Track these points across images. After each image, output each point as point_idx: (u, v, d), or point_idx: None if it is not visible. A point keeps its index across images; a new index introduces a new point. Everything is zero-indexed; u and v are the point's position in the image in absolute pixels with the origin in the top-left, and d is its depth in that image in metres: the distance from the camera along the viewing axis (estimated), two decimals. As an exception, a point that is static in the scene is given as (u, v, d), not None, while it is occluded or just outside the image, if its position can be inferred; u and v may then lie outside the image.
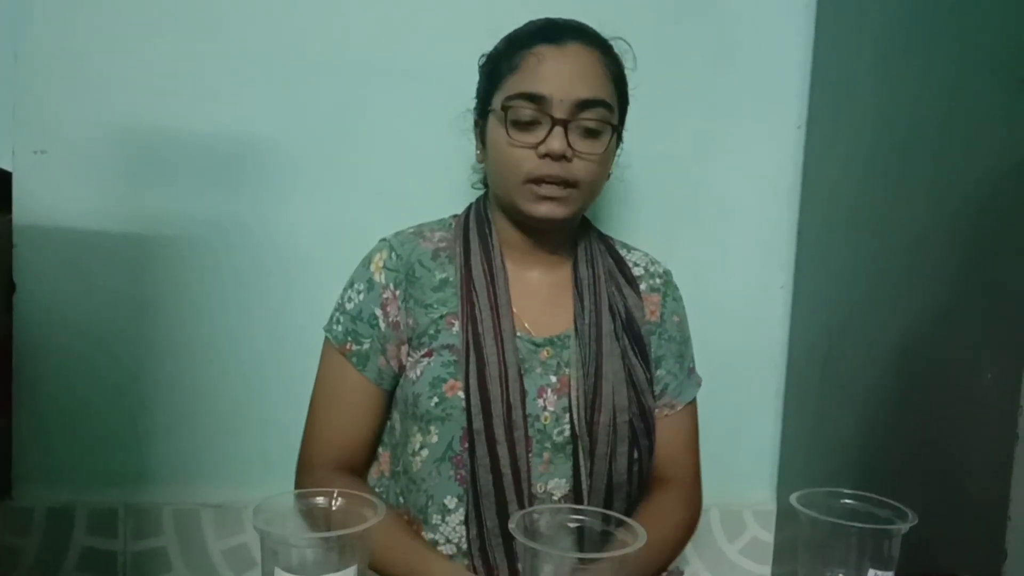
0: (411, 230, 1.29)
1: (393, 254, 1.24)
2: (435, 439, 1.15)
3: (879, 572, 0.84)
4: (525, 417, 1.13)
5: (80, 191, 1.68)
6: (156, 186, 1.70)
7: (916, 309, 1.46)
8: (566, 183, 1.14)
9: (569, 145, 1.13)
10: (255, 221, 1.74)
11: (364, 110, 1.75)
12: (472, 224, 1.26)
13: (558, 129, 1.12)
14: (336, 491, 0.85)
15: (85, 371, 1.72)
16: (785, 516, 1.92)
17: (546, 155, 1.13)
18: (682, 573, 1.29)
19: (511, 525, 0.78)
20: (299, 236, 1.75)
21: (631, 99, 1.28)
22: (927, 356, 1.42)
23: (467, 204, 1.37)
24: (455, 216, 1.33)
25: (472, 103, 1.31)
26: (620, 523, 0.80)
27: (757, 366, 1.94)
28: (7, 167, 1.67)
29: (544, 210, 1.16)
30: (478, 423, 1.11)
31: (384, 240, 1.27)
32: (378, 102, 1.75)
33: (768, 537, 1.92)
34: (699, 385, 1.34)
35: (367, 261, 1.26)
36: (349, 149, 1.76)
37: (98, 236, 1.68)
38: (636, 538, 0.75)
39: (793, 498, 0.88)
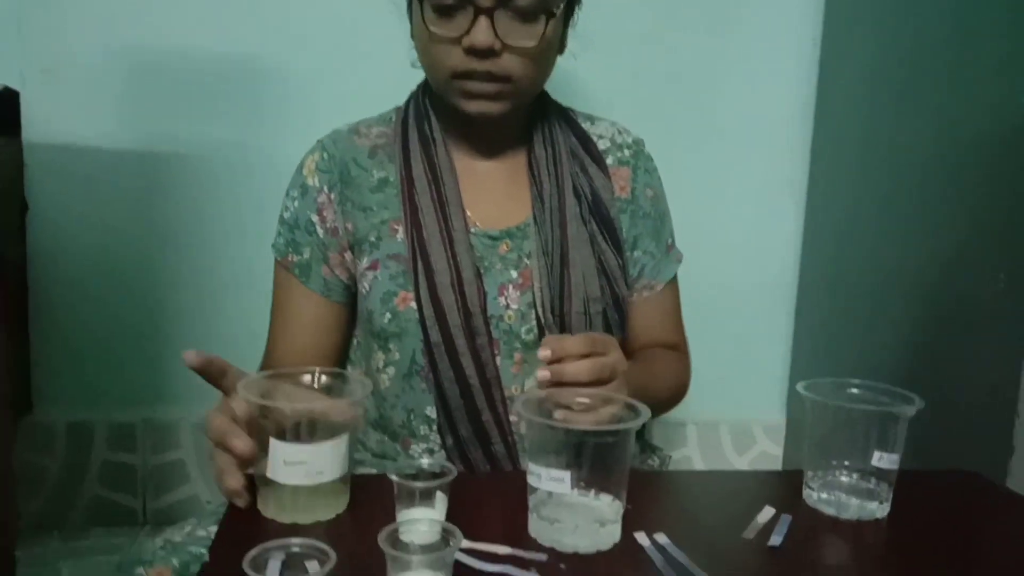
0: (347, 127, 1.15)
1: (325, 154, 1.11)
2: (397, 356, 1.06)
3: (884, 455, 0.84)
4: (487, 321, 1.03)
5: (89, 110, 1.68)
6: (163, 105, 1.70)
7: (927, 226, 1.45)
8: (497, 78, 0.99)
9: (497, 36, 0.96)
10: (262, 145, 1.74)
11: (364, 31, 1.72)
12: (411, 117, 1.11)
13: (483, 19, 0.95)
14: (318, 369, 0.86)
15: (100, 290, 1.74)
16: (795, 430, 1.93)
17: (470, 50, 0.96)
18: (669, 457, 1.26)
19: (515, 410, 0.79)
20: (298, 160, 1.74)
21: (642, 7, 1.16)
22: (937, 270, 1.41)
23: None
24: (398, 108, 1.17)
25: None
26: (627, 404, 0.80)
27: (768, 287, 1.93)
28: (15, 86, 1.67)
29: (476, 108, 1.01)
30: (435, 336, 1.02)
31: (318, 141, 1.14)
32: (378, 22, 1.72)
33: (777, 451, 1.94)
34: (679, 261, 1.21)
35: (300, 165, 1.13)
36: (352, 72, 1.74)
37: (109, 155, 1.69)
38: (638, 415, 0.76)
39: (800, 386, 0.87)
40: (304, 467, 0.78)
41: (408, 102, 1.15)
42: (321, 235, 1.10)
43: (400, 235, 1.07)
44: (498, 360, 1.05)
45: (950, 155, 1.40)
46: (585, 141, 1.15)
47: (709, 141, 1.85)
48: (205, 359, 0.83)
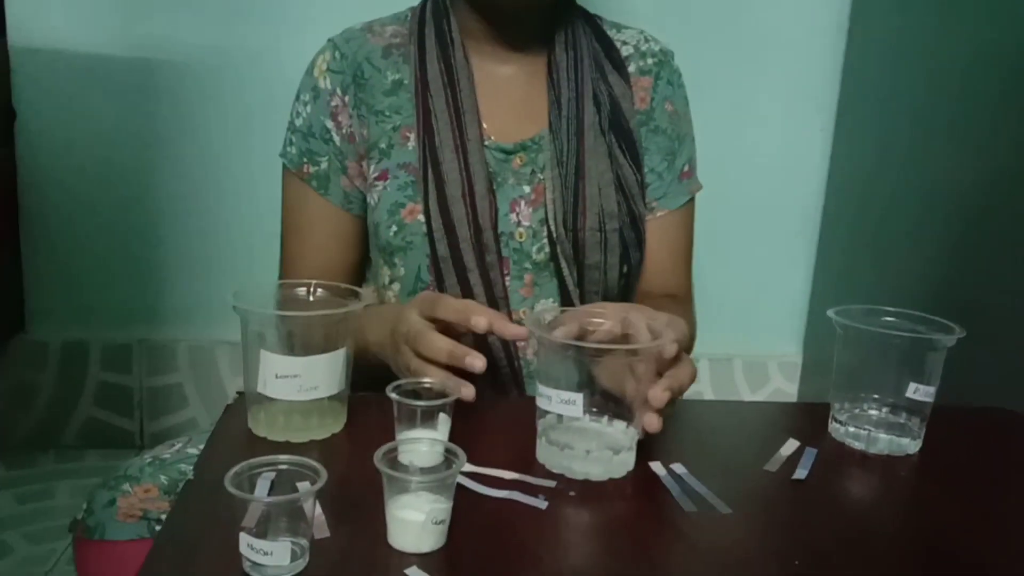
0: (359, 26, 1.08)
1: (337, 53, 1.04)
2: (401, 271, 1.02)
3: (920, 386, 0.78)
4: (497, 237, 0.99)
5: (78, 11, 1.60)
6: (158, 9, 1.61)
7: (962, 151, 1.37)
8: None
9: None
10: (266, 50, 1.65)
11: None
12: (428, 15, 1.04)
13: None
14: (314, 282, 0.81)
15: (93, 202, 1.68)
16: (811, 368, 1.88)
17: None
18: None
19: (528, 322, 0.74)
20: (301, 65, 1.65)
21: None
22: (973, 198, 1.34)
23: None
24: (412, 9, 1.10)
25: None
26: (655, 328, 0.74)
27: (790, 215, 1.86)
28: (1, -14, 1.58)
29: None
30: (443, 250, 0.97)
31: (329, 40, 1.07)
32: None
33: (792, 388, 1.90)
34: (692, 193, 1.11)
35: (310, 67, 1.06)
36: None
37: (100, 60, 1.61)
38: (658, 335, 0.70)
39: (831, 312, 0.81)
40: (297, 381, 0.73)
41: (424, 1, 1.07)
42: (338, 142, 1.03)
43: (412, 143, 1.01)
44: (507, 280, 1.00)
45: (986, 75, 1.33)
46: (609, 48, 1.08)
47: (736, 59, 1.77)
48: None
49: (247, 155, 1.68)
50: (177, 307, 1.75)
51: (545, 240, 1.01)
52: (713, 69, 1.72)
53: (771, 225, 1.82)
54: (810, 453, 0.78)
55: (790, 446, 0.79)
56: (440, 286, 0.98)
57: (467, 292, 0.98)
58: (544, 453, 0.72)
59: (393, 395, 0.69)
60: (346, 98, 1.03)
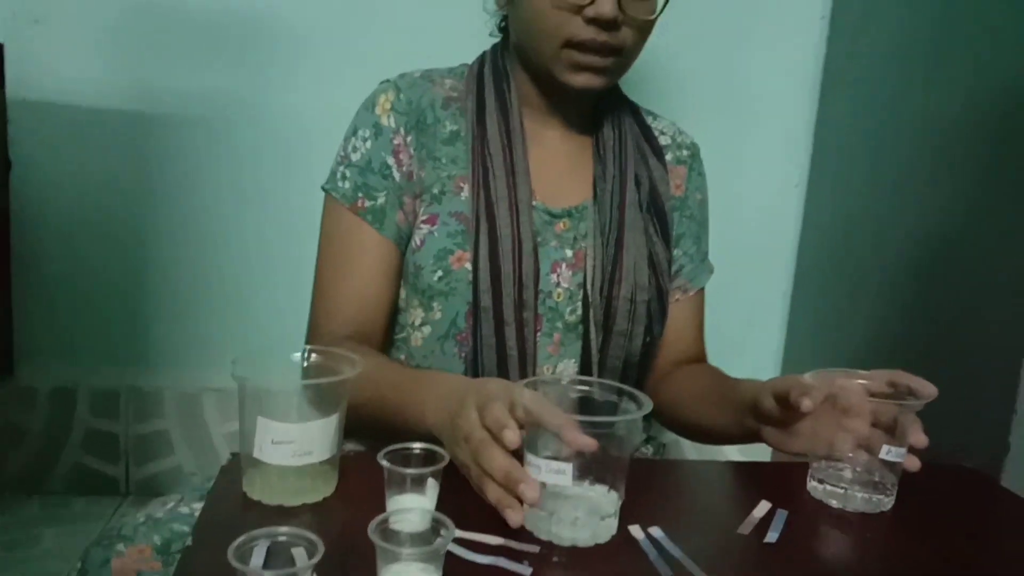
0: (417, 73, 1.12)
1: (402, 96, 1.07)
2: (438, 315, 1.04)
3: (892, 448, 0.82)
4: (536, 294, 1.03)
5: (77, 64, 1.63)
6: (156, 61, 1.65)
7: (928, 208, 1.43)
8: (611, 50, 0.99)
9: (620, 8, 0.96)
10: (258, 100, 1.70)
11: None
12: (488, 76, 1.10)
13: None
14: (309, 347, 0.83)
15: (85, 251, 1.70)
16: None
17: (593, 20, 0.96)
18: (663, 445, 1.26)
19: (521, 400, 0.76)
20: (304, 117, 1.70)
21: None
22: (937, 257, 1.40)
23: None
24: (465, 65, 1.15)
25: None
26: (627, 393, 0.78)
27: (767, 263, 1.91)
28: None
29: (582, 80, 1.01)
30: (486, 300, 1.01)
31: (388, 81, 1.10)
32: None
33: (768, 438, 1.93)
34: (711, 272, 1.22)
35: (370, 104, 1.09)
36: (359, 27, 1.70)
37: (96, 112, 1.64)
38: (641, 406, 0.74)
39: (808, 376, 0.85)
40: (292, 447, 0.76)
41: (481, 61, 1.13)
42: (397, 179, 1.06)
43: (464, 193, 1.05)
44: (538, 336, 1.05)
45: (952, 130, 1.38)
46: (647, 133, 1.16)
47: (714, 117, 1.82)
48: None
49: (236, 204, 1.72)
50: (164, 354, 1.77)
51: (579, 303, 1.07)
52: (693, 127, 1.78)
53: (745, 281, 1.87)
54: (781, 515, 0.81)
55: (762, 508, 0.82)
56: (475, 335, 1.02)
57: (500, 342, 1.02)
58: (531, 520, 0.74)
59: (384, 462, 0.72)
60: (408, 138, 1.06)
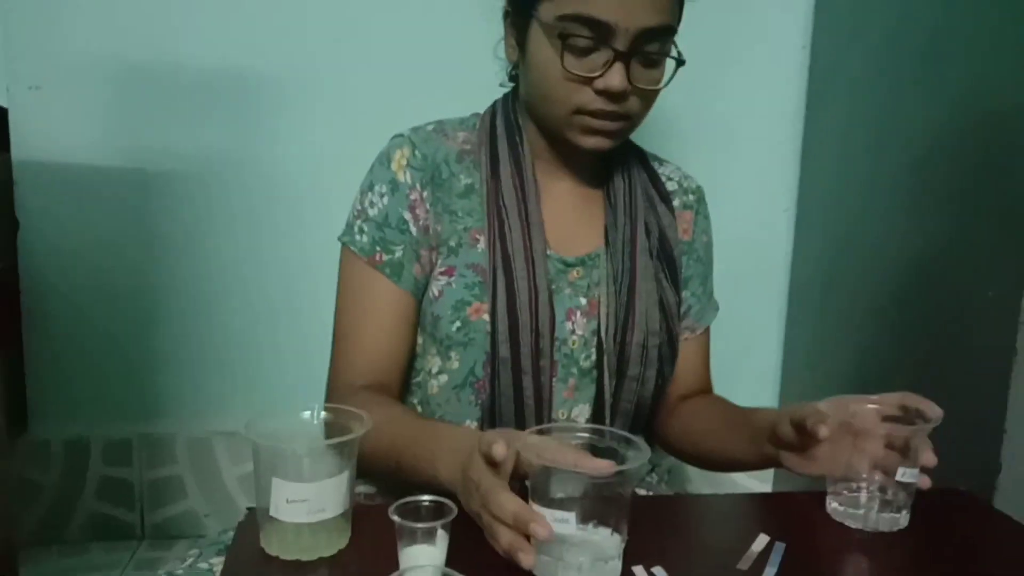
0: (430, 126, 1.14)
1: (417, 152, 1.10)
2: (456, 364, 1.07)
3: (907, 470, 0.87)
4: (552, 342, 1.06)
5: (77, 126, 1.68)
6: (153, 122, 1.70)
7: (916, 231, 1.46)
8: (620, 117, 1.03)
9: (629, 81, 0.99)
10: (253, 157, 1.74)
11: (356, 41, 1.73)
12: (500, 128, 1.12)
13: (619, 64, 0.98)
14: (319, 405, 0.86)
15: (93, 306, 1.74)
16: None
17: (603, 91, 0.99)
18: (668, 472, 1.28)
19: (520, 444, 0.79)
20: (299, 172, 1.75)
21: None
22: (927, 278, 1.43)
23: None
24: (476, 115, 1.18)
25: None
26: (626, 440, 0.82)
27: (760, 290, 1.95)
28: (2, 103, 1.66)
29: (592, 143, 1.04)
30: (504, 351, 1.03)
31: (402, 136, 1.12)
32: (371, 27, 1.73)
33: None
34: (717, 310, 1.26)
35: (385, 160, 1.10)
36: (344, 81, 1.74)
37: (97, 171, 1.69)
38: (640, 454, 0.77)
39: (821, 404, 0.90)
40: (306, 505, 0.79)
41: (492, 113, 1.15)
42: (414, 233, 1.09)
43: (480, 245, 1.08)
44: (553, 382, 1.08)
45: (934, 152, 1.42)
46: (655, 179, 1.19)
47: (702, 145, 1.86)
48: (508, 455, 0.78)
49: (239, 256, 1.76)
50: (174, 402, 1.80)
51: (593, 349, 1.10)
52: (681, 155, 1.82)
53: (742, 304, 1.90)
54: (779, 548, 0.84)
55: (761, 542, 0.86)
56: (493, 383, 1.05)
57: (518, 390, 1.05)
58: (539, 568, 0.76)
59: (395, 517, 0.75)
60: (424, 193, 1.09)
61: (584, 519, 0.77)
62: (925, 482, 0.89)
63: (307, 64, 1.72)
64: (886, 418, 0.90)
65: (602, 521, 0.78)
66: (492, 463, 0.78)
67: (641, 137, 1.25)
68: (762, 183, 1.91)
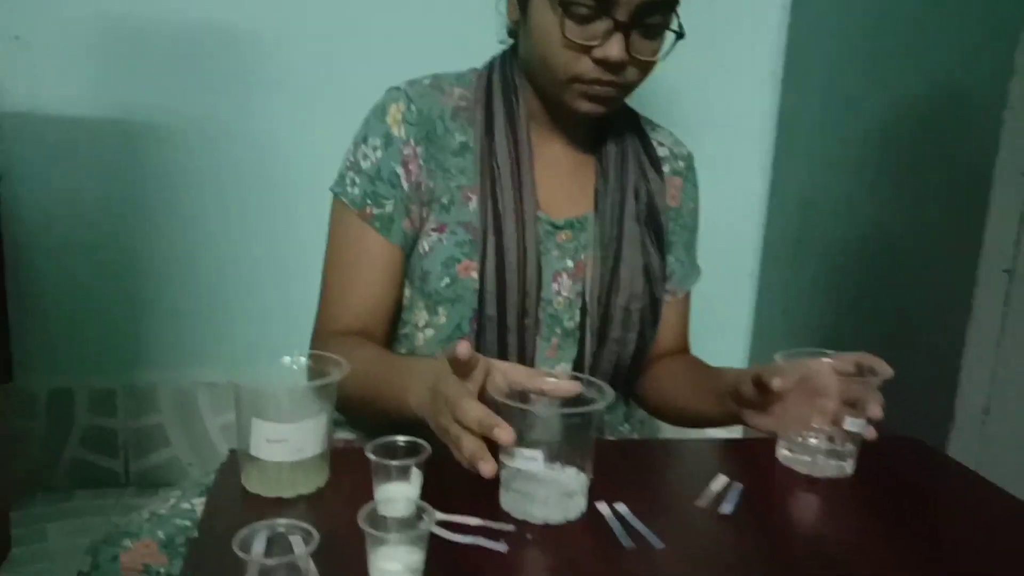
0: (427, 80, 1.13)
1: (412, 106, 1.09)
2: (443, 320, 1.09)
3: (853, 420, 0.91)
4: (539, 302, 1.08)
5: (60, 77, 1.67)
6: (137, 75, 1.70)
7: (882, 191, 1.50)
8: (616, 86, 1.03)
9: (628, 51, 0.99)
10: (237, 112, 1.75)
11: (353, 4, 1.73)
12: (497, 87, 1.12)
13: (618, 35, 0.98)
14: (298, 351, 0.89)
15: (77, 257, 1.76)
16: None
17: (601, 61, 0.99)
18: (641, 423, 1.32)
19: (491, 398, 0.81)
20: (282, 128, 1.77)
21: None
22: (891, 234, 1.47)
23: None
24: (474, 71, 1.17)
25: None
26: (594, 384, 0.85)
27: (733, 249, 1.99)
28: (-18, 54, 1.66)
29: (587, 108, 1.05)
30: (491, 309, 1.05)
31: (398, 89, 1.11)
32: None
33: (738, 415, 2.01)
34: (699, 275, 1.29)
35: (380, 112, 1.10)
36: (331, 38, 1.74)
37: (81, 123, 1.69)
38: (604, 396, 0.81)
39: (778, 356, 0.94)
40: (286, 444, 0.82)
41: (491, 69, 1.14)
42: (406, 188, 1.08)
43: (473, 204, 1.08)
44: (537, 341, 1.10)
45: (907, 120, 1.45)
46: (646, 144, 1.20)
47: (676, 102, 1.88)
48: (473, 354, 0.81)
49: (220, 208, 1.78)
50: (157, 353, 1.83)
51: (577, 311, 1.12)
52: (658, 116, 1.84)
53: (714, 261, 1.93)
54: (736, 488, 0.89)
55: (719, 482, 0.90)
56: (479, 340, 1.07)
57: (502, 347, 1.07)
58: (507, 501, 0.81)
59: (371, 455, 0.79)
60: (418, 149, 1.08)
61: (552, 459, 0.81)
62: (871, 432, 0.92)
63: (294, 16, 1.72)
64: (840, 373, 0.94)
65: (569, 461, 0.82)
66: (460, 372, 0.81)
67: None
68: (738, 144, 1.94)
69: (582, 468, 0.82)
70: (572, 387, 0.79)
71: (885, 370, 0.93)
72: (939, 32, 1.38)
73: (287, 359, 0.89)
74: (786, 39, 1.89)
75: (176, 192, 1.75)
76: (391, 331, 1.16)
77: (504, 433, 0.74)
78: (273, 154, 1.76)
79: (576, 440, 0.81)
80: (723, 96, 1.91)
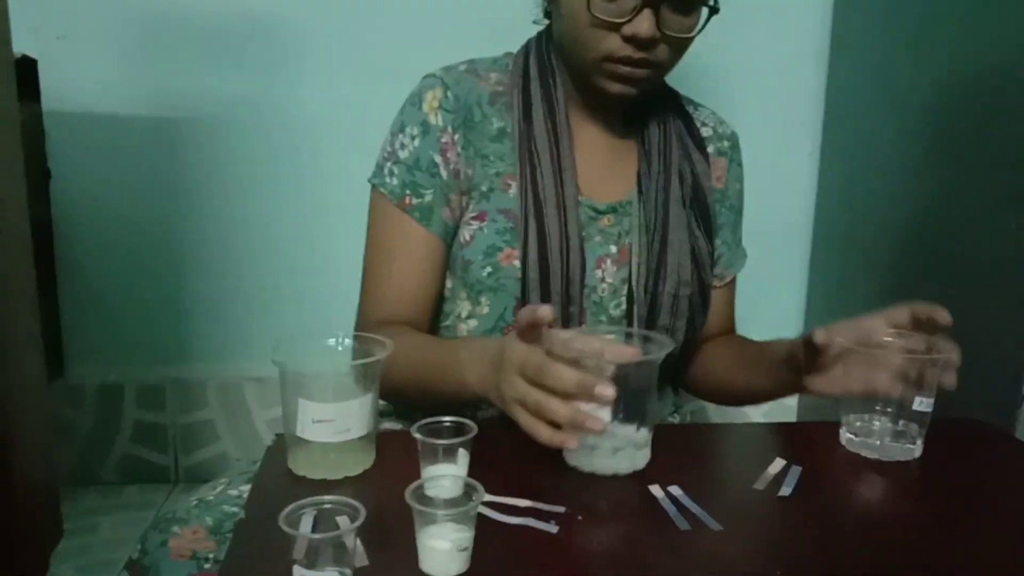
0: (462, 66, 1.11)
1: (449, 93, 1.07)
2: (486, 310, 1.06)
3: (924, 399, 0.88)
4: (582, 290, 1.05)
5: (104, 75, 1.70)
6: (177, 67, 1.72)
7: (940, 171, 1.45)
8: (648, 65, 0.99)
9: (659, 27, 0.95)
10: (278, 100, 1.76)
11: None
12: (533, 70, 1.09)
13: (648, 10, 0.94)
14: (343, 333, 0.88)
15: (125, 254, 1.78)
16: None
17: (631, 38, 0.96)
18: (690, 413, 1.28)
19: (548, 339, 0.80)
20: (321, 115, 1.77)
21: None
22: (950, 216, 1.42)
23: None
24: (509, 55, 1.14)
25: None
26: (649, 338, 0.86)
27: (783, 234, 1.95)
28: (32, 54, 1.68)
29: (619, 89, 1.01)
30: (534, 298, 1.02)
31: (434, 76, 1.09)
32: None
33: (792, 400, 1.97)
34: (745, 258, 1.25)
35: (417, 100, 1.08)
36: (364, 24, 1.74)
37: (124, 119, 1.71)
38: (663, 346, 0.81)
39: (840, 338, 0.90)
40: (332, 425, 0.81)
41: (526, 53, 1.12)
42: (445, 177, 1.06)
43: (512, 191, 1.06)
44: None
45: (961, 92, 1.40)
46: (689, 124, 1.16)
47: (726, 88, 1.84)
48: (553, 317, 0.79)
49: (268, 199, 1.79)
50: (206, 347, 1.85)
51: (623, 298, 1.09)
52: (704, 98, 1.81)
53: (765, 245, 1.89)
54: (795, 471, 0.86)
55: (777, 464, 0.87)
56: None
57: None
58: (575, 457, 0.82)
59: (417, 435, 0.77)
60: (456, 136, 1.06)
61: (613, 414, 0.80)
62: (950, 378, 0.88)
63: (328, 5, 1.72)
64: (909, 351, 0.90)
65: (628, 417, 0.82)
66: (529, 338, 0.80)
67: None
68: (786, 126, 1.90)
69: (643, 423, 0.82)
70: (632, 352, 0.78)
71: (943, 318, 0.90)
72: (992, 11, 1.33)
73: (332, 340, 0.88)
74: (832, 11, 1.85)
75: (220, 184, 1.77)
76: (434, 322, 1.14)
77: (609, 389, 0.73)
78: (309, 143, 1.77)
79: (639, 393, 0.81)
80: (768, 76, 1.87)
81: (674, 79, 1.32)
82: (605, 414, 0.76)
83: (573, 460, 0.82)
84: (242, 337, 1.84)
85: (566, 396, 0.75)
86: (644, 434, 0.83)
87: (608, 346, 0.79)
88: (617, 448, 0.81)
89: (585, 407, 0.75)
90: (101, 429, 1.86)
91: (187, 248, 1.79)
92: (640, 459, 0.82)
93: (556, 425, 0.77)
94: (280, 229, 1.80)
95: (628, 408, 0.81)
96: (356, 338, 0.88)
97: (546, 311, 0.78)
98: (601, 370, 0.77)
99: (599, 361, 0.77)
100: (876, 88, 1.68)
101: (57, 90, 1.69)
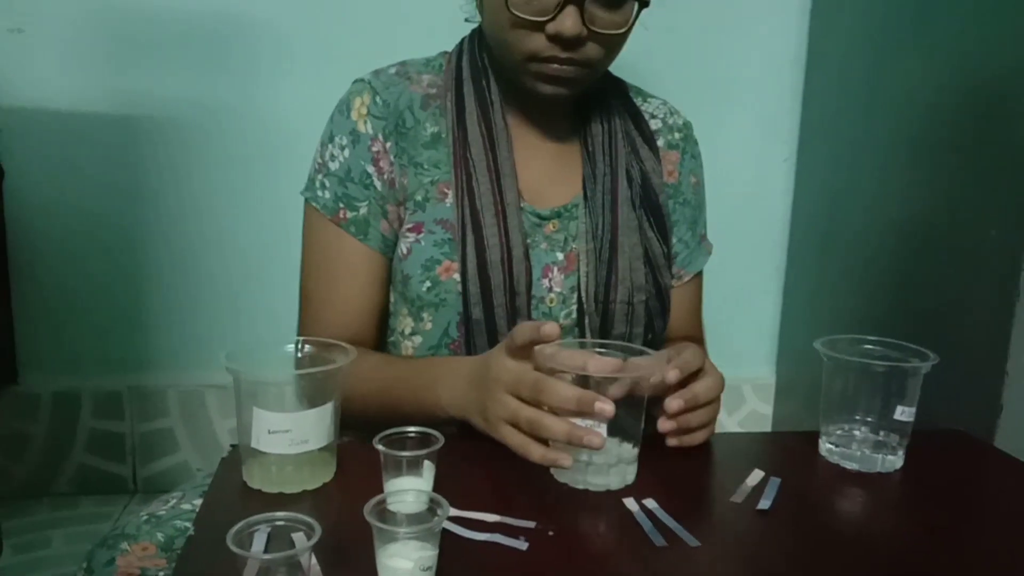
0: (392, 69, 1.04)
1: (378, 98, 1.01)
2: (428, 326, 1.01)
3: (905, 408, 0.85)
4: (529, 302, 0.99)
5: (62, 71, 1.64)
6: (140, 66, 1.66)
7: (916, 178, 1.44)
8: (576, 64, 0.94)
9: (584, 23, 0.90)
10: (244, 103, 1.71)
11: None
12: (466, 71, 1.03)
13: (571, 7, 0.89)
14: (301, 338, 0.84)
15: (81, 256, 1.72)
16: (784, 390, 1.94)
17: (556, 35, 0.90)
18: None
19: (537, 354, 0.77)
20: (288, 117, 1.72)
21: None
22: (927, 224, 1.41)
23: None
24: (444, 54, 1.08)
25: None
26: (636, 352, 0.82)
27: (759, 242, 1.93)
28: (-16, 48, 1.63)
29: (550, 90, 0.96)
30: (477, 313, 0.97)
31: (362, 81, 1.03)
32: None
33: (767, 409, 1.96)
34: (709, 253, 1.17)
35: (344, 108, 1.02)
36: (343, 29, 1.70)
37: (83, 117, 1.65)
38: (651, 358, 0.80)
39: (818, 344, 0.88)
40: (289, 435, 0.77)
41: (459, 53, 1.06)
42: (379, 188, 1.01)
43: (449, 200, 1.00)
44: None
45: (939, 108, 1.39)
46: (638, 119, 1.10)
47: (701, 95, 1.82)
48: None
49: (228, 204, 1.74)
50: (165, 354, 1.79)
51: (573, 307, 1.04)
52: (681, 106, 1.79)
53: (740, 254, 1.89)
54: (774, 483, 0.82)
55: (755, 476, 0.84)
56: (468, 345, 0.99)
57: None
58: (563, 473, 0.79)
59: (380, 446, 0.73)
60: (388, 144, 1.01)
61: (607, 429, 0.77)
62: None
63: (294, 5, 1.68)
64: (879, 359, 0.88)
65: (617, 432, 0.80)
66: (520, 355, 0.78)
67: (635, 81, 1.20)
68: (762, 132, 1.89)
69: (634, 436, 0.81)
70: (614, 365, 0.75)
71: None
72: (968, 18, 1.32)
73: (290, 347, 0.84)
74: (808, 17, 1.84)
75: (181, 188, 1.72)
76: (379, 340, 1.09)
77: (609, 405, 0.72)
78: (280, 147, 1.72)
79: (631, 408, 0.79)
80: (744, 82, 1.86)
81: (651, 84, 1.28)
82: (603, 430, 0.74)
83: (564, 476, 0.79)
84: (204, 343, 1.79)
85: (564, 413, 0.74)
86: (628, 450, 0.81)
87: (591, 360, 0.76)
88: (611, 464, 0.78)
89: (581, 423, 0.73)
90: (56, 438, 1.79)
91: (147, 250, 1.73)
92: (630, 474, 0.81)
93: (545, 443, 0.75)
94: (245, 235, 1.76)
95: (622, 423, 0.79)
96: (316, 344, 0.84)
97: (553, 329, 0.75)
98: (599, 385, 0.75)
99: (599, 378, 0.76)
100: (852, 95, 1.67)
101: (12, 85, 1.63)
